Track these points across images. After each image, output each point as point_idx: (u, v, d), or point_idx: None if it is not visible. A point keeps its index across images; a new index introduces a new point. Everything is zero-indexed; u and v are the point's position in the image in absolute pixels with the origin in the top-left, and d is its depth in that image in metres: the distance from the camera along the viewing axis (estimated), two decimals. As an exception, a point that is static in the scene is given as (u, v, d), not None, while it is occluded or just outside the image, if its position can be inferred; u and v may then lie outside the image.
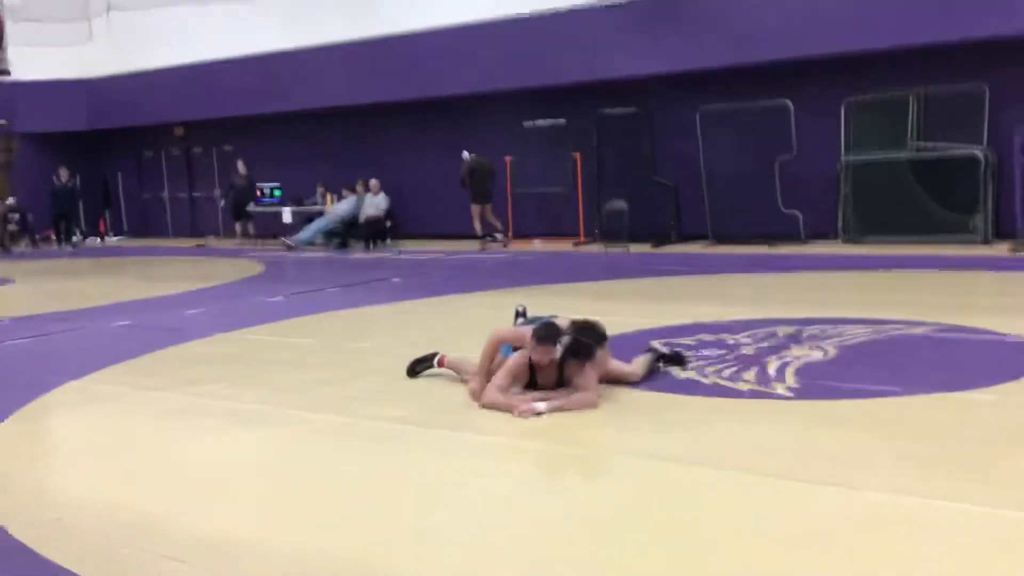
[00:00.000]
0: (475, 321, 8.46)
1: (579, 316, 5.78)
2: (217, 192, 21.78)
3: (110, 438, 5.43)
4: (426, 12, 16.96)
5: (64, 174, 20.78)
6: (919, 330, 7.10)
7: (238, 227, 19.86)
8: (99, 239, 22.73)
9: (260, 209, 19.89)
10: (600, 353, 5.60)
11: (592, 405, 5.38)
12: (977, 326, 7.11)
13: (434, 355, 6.38)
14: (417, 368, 6.37)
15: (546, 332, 5.40)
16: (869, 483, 3.98)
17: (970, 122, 12.98)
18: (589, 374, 5.44)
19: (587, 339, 5.44)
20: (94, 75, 21.86)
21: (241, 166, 19.77)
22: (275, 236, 18.75)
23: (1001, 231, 12.89)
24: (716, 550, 3.46)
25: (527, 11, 15.83)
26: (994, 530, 3.48)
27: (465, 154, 16.48)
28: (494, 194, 16.53)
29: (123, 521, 4.05)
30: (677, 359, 6.25)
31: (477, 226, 16.33)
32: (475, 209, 16.38)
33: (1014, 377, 5.63)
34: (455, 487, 4.30)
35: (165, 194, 22.99)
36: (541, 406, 5.28)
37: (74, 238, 21.30)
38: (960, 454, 4.35)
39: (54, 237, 21.23)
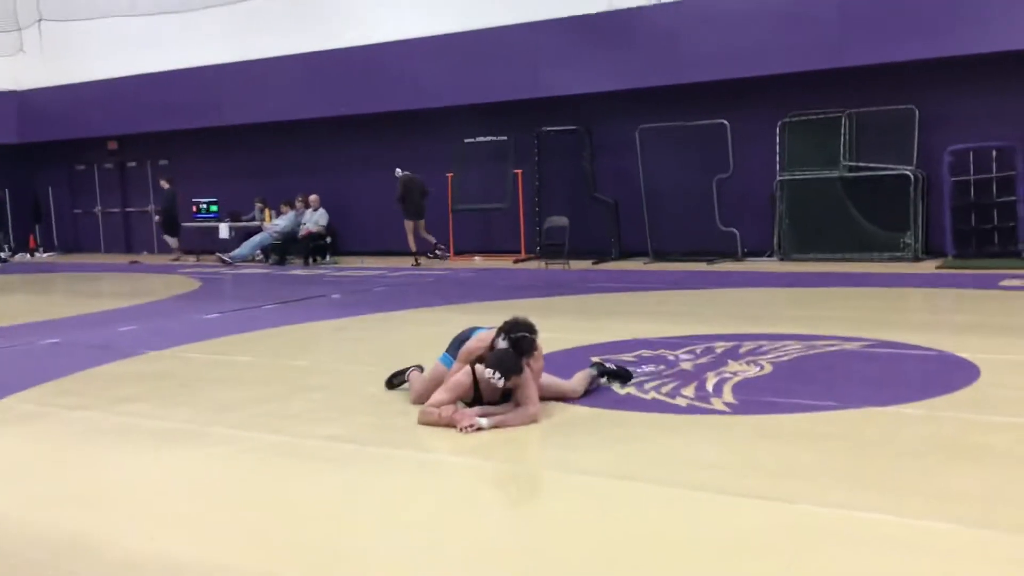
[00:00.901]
0: (415, 338, 8.41)
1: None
2: (151, 207, 21.42)
3: (35, 458, 5.26)
4: (367, 27, 16.92)
5: None
6: (852, 346, 7.22)
7: (171, 241, 19.51)
8: (29, 255, 22.15)
9: (196, 225, 19.59)
10: (539, 365, 5.60)
11: (534, 420, 5.36)
12: (908, 342, 7.26)
13: (407, 369, 6.31)
14: (394, 381, 6.34)
15: (504, 366, 5.29)
16: (804, 496, 4.02)
17: (901, 142, 13.32)
18: (530, 388, 5.43)
19: (524, 333, 5.45)
20: (25, 87, 21.37)
21: (164, 183, 19.48)
22: (210, 252, 18.46)
23: (931, 249, 13.23)
24: (655, 565, 3.46)
25: (468, 28, 15.87)
26: (923, 542, 3.54)
27: (398, 171, 16.46)
28: (427, 210, 16.49)
29: (48, 543, 3.91)
30: (622, 374, 6.26)
31: (411, 242, 16.29)
32: (409, 225, 16.35)
33: (943, 392, 5.75)
34: (393, 506, 4.24)
35: (98, 209, 22.51)
36: (483, 421, 5.25)
37: (2, 253, 20.72)
38: (891, 467, 4.42)
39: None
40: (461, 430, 5.19)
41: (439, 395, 5.47)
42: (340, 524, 4.03)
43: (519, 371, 5.31)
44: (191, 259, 18.81)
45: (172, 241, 19.44)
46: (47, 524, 4.16)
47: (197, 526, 4.08)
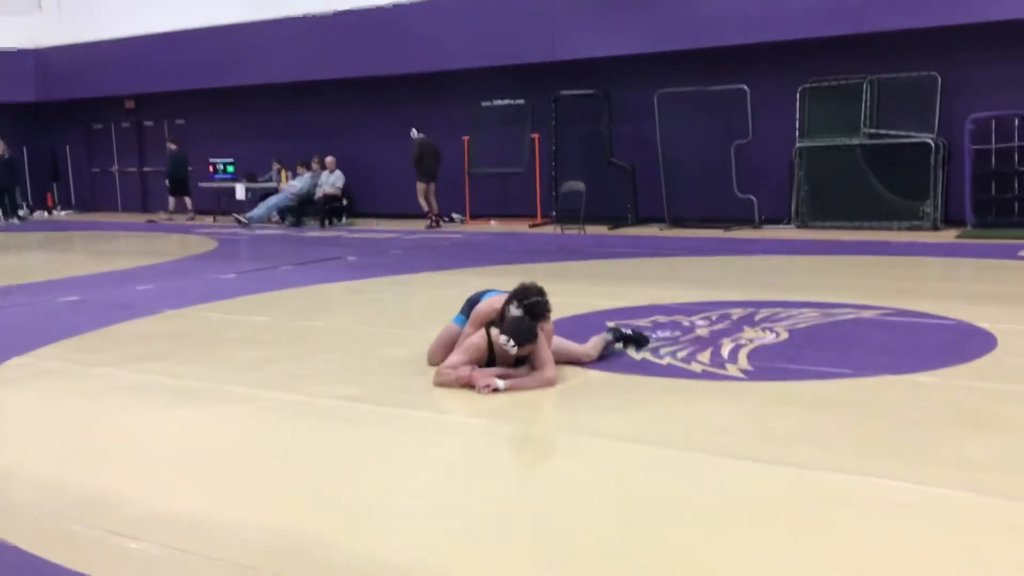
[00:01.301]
0: (430, 300, 8.44)
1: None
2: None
3: (56, 414, 5.33)
4: (385, -12, 16.79)
5: (0, 146, 20.07)
6: (868, 314, 7.21)
7: (172, 202, 19.50)
8: (47, 213, 22.26)
9: (212, 185, 19.62)
10: (549, 327, 5.62)
11: (550, 383, 5.39)
12: (925, 311, 7.24)
13: None
14: None
15: (519, 333, 5.32)
16: (818, 463, 4.04)
17: (922, 110, 13.16)
18: (545, 352, 5.46)
19: (536, 298, 5.48)
20: (43, 45, 21.34)
21: (171, 144, 19.42)
22: (225, 212, 18.50)
23: (950, 218, 13.13)
24: (669, 528, 3.49)
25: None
26: (936, 509, 3.56)
27: (414, 132, 16.43)
28: (441, 173, 16.49)
29: (72, 498, 3.98)
30: (638, 339, 6.27)
31: (423, 203, 16.34)
32: (420, 188, 16.37)
33: (959, 361, 5.74)
34: (409, 465, 4.29)
35: (115, 168, 22.56)
36: (500, 383, 5.28)
37: (20, 212, 20.82)
38: (906, 435, 4.43)
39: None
40: (479, 390, 5.23)
41: (455, 356, 5.50)
42: (356, 482, 4.08)
43: (534, 338, 5.34)
44: (208, 219, 18.85)
45: (172, 202, 19.44)
46: (69, 479, 4.22)
47: (216, 483, 4.14)
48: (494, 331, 5.43)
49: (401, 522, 3.64)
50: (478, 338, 5.51)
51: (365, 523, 3.64)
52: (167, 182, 19.44)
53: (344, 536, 3.52)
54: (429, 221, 16.14)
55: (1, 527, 3.64)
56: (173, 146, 19.35)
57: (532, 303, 5.46)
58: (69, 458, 4.52)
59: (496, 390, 5.24)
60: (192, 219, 19.10)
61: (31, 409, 5.52)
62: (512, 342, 5.27)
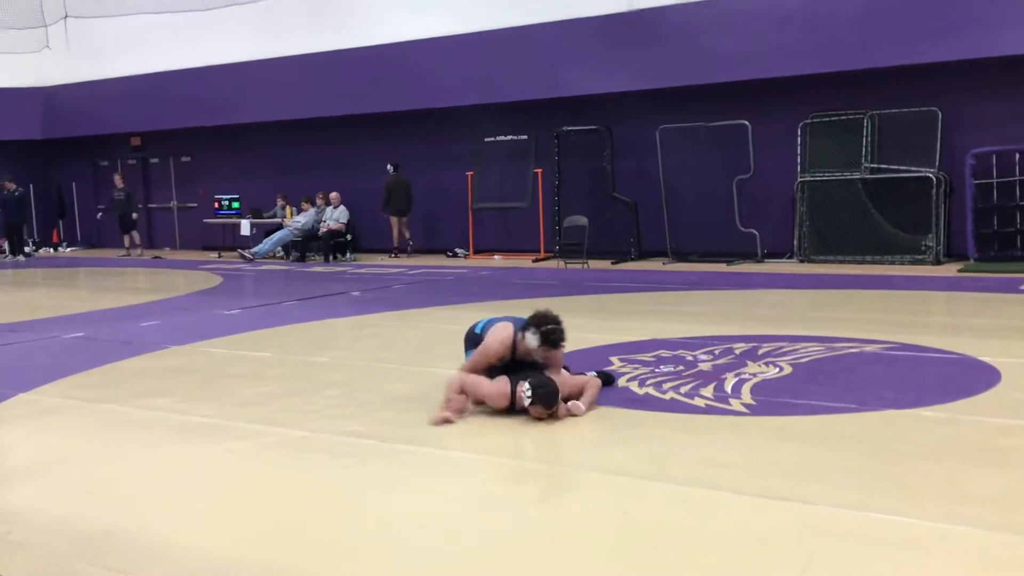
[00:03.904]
0: (433, 335, 8.45)
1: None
2: (174, 203, 21.65)
3: (60, 451, 5.33)
4: (389, 26, 16.98)
5: (11, 184, 20.31)
6: (872, 348, 7.21)
7: (126, 239, 20.11)
8: (52, 249, 22.36)
9: (217, 221, 19.74)
10: (559, 355, 5.67)
11: (598, 386, 5.71)
12: (928, 345, 7.24)
13: None
14: None
15: (542, 394, 5.39)
16: (822, 498, 4.03)
17: (923, 144, 13.24)
18: (574, 386, 5.61)
19: (552, 326, 5.54)
20: (49, 83, 21.56)
21: (118, 180, 20.21)
22: (230, 248, 18.62)
23: (952, 252, 13.16)
24: (672, 564, 3.48)
25: (489, 27, 15.90)
26: (940, 545, 3.54)
27: (389, 168, 17.18)
28: (411, 208, 17.37)
29: (74, 535, 3.97)
30: (606, 378, 6.21)
31: (396, 238, 17.37)
32: (393, 222, 17.26)
33: (963, 395, 5.73)
34: (412, 502, 4.28)
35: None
36: (581, 407, 5.45)
37: (26, 248, 20.93)
38: (910, 470, 4.42)
39: (7, 247, 20.79)
40: (436, 419, 5.38)
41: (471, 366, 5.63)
42: (360, 519, 4.07)
43: (553, 405, 5.36)
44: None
45: (127, 239, 20.17)
46: (72, 516, 4.22)
47: (220, 519, 4.13)
48: (519, 387, 5.41)
49: (404, 559, 3.63)
50: (503, 384, 5.50)
51: (367, 560, 3.63)
52: (117, 221, 20.30)
53: (346, 572, 3.51)
54: (392, 253, 17.22)
55: (3, 565, 3.63)
56: (120, 184, 20.16)
57: (549, 331, 5.50)
58: (72, 495, 4.52)
59: (448, 421, 5.39)
60: (135, 255, 19.83)
61: (35, 446, 5.52)
62: (530, 398, 5.31)
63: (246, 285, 14.40)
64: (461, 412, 5.53)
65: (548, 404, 5.33)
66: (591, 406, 5.56)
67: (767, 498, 4.07)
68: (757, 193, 14.37)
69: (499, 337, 5.63)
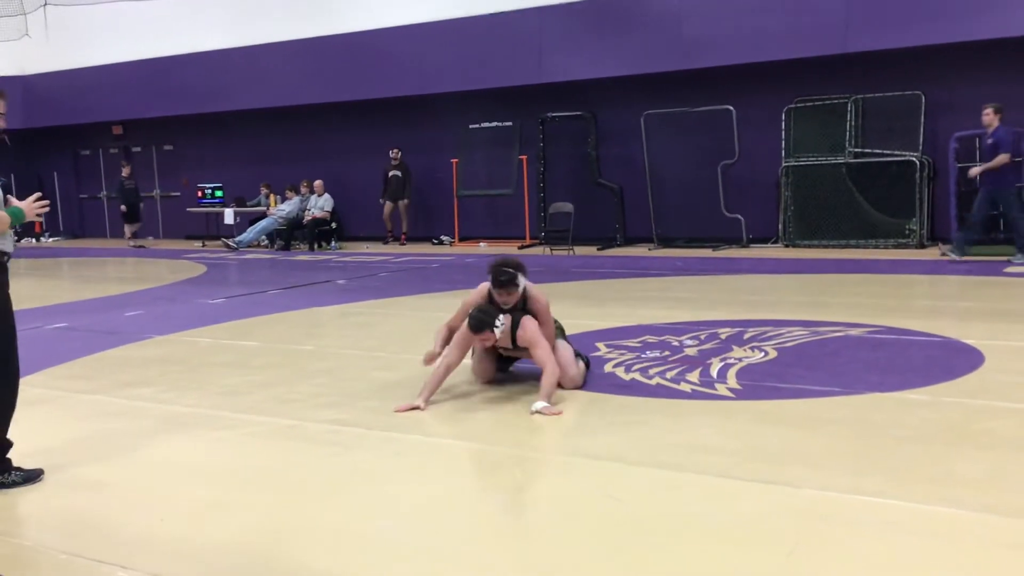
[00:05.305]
0: (419, 322, 8.43)
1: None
2: (156, 192, 21.50)
3: (44, 442, 5.29)
4: (372, 12, 16.88)
5: None
6: (856, 332, 7.24)
7: (127, 229, 19.88)
8: (34, 240, 22.21)
9: (201, 210, 19.63)
10: (536, 304, 5.75)
11: (556, 374, 5.51)
12: (912, 328, 7.27)
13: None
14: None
15: (479, 319, 5.59)
16: (808, 481, 4.05)
17: (907, 128, 13.29)
18: (541, 346, 5.56)
19: (504, 267, 5.65)
20: (30, 72, 21.35)
21: (126, 169, 19.95)
22: (214, 237, 18.52)
23: (936, 235, 13.22)
24: (658, 549, 3.49)
25: (473, 13, 15.84)
26: (926, 526, 3.56)
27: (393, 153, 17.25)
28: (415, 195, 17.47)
29: (58, 525, 3.95)
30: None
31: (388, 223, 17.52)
32: (388, 207, 17.34)
33: (947, 378, 5.77)
34: (398, 489, 4.27)
35: (103, 194, 22.53)
36: (539, 406, 5.31)
37: (8, 238, 20.78)
38: (896, 453, 4.44)
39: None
40: (400, 406, 5.47)
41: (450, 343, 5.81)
42: (347, 507, 4.07)
43: (486, 327, 5.53)
44: (196, 244, 18.87)
45: (129, 229, 19.96)
46: (57, 507, 4.20)
47: (206, 509, 4.12)
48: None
49: (391, 546, 3.63)
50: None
51: (354, 547, 3.63)
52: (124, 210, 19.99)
53: (333, 560, 3.50)
54: (387, 240, 17.42)
55: (-12, 557, 3.61)
56: (128, 173, 19.81)
57: (495, 271, 5.67)
58: (58, 486, 4.49)
59: (417, 408, 5.46)
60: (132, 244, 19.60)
61: (19, 437, 5.47)
62: (479, 327, 5.55)
63: (230, 274, 14.34)
64: (441, 379, 5.65)
65: (473, 328, 5.55)
66: (549, 396, 5.35)
67: (753, 482, 4.08)
68: (742, 178, 14.39)
69: (477, 289, 5.94)
